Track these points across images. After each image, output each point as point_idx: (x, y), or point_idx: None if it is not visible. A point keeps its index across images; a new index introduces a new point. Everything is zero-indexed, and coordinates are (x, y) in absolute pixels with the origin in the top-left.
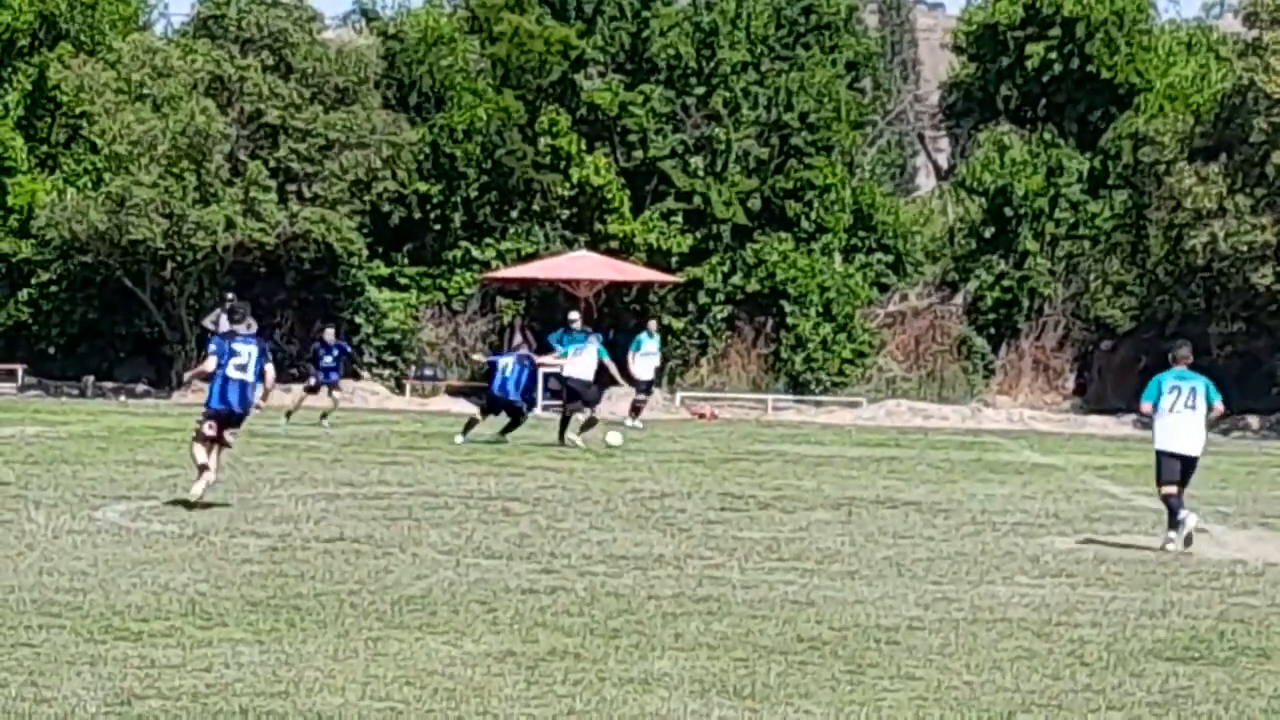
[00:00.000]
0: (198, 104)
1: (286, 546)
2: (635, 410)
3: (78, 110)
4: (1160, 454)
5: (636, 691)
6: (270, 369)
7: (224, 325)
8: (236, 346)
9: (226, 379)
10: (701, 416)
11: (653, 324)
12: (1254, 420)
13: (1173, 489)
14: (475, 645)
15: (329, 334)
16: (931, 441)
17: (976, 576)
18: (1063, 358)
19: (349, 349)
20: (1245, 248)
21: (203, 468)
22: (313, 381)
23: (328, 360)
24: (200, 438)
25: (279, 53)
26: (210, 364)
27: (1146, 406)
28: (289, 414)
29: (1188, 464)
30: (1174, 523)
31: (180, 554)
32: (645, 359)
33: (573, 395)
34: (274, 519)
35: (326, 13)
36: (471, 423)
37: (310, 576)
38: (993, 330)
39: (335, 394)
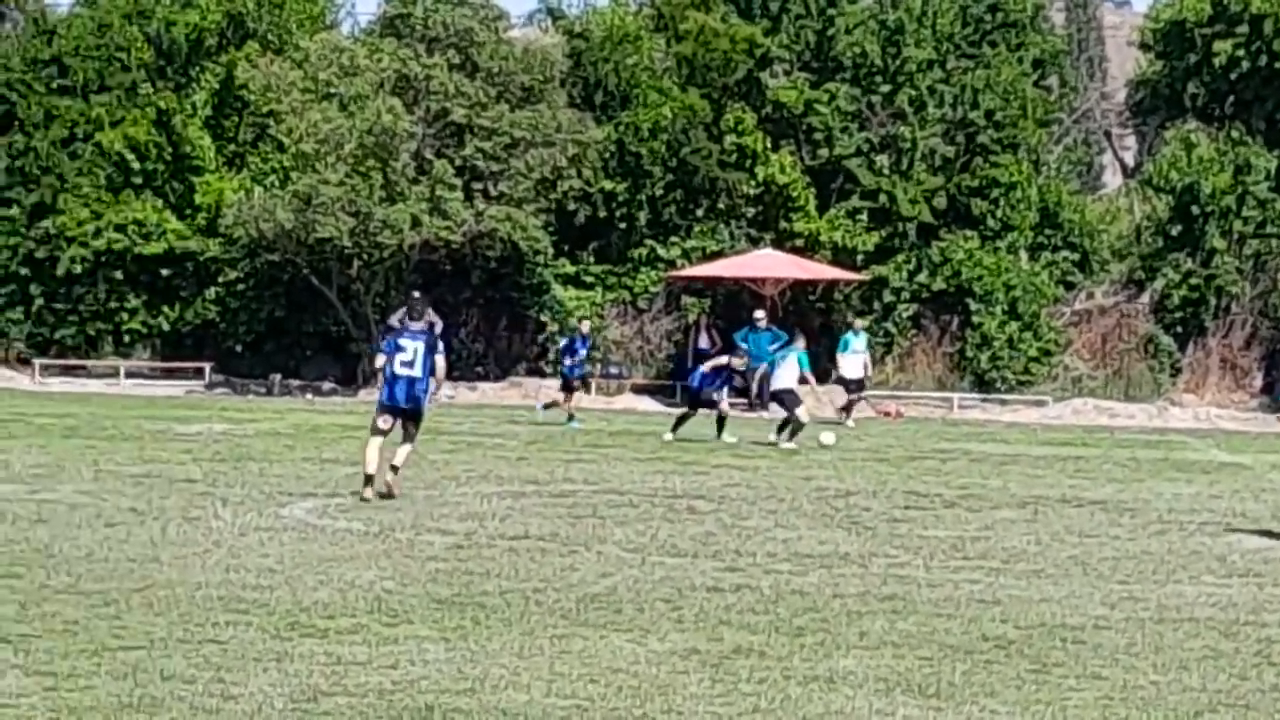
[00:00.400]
0: (384, 103)
1: (472, 544)
2: (846, 409)
3: (265, 109)
4: None
5: (821, 689)
6: (440, 362)
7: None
8: (402, 342)
9: (395, 375)
10: (887, 415)
11: (859, 322)
12: None
13: None
14: (660, 643)
15: (585, 325)
16: (1117, 440)
17: (1163, 576)
18: (1250, 356)
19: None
20: None
21: (369, 478)
22: (570, 379)
23: (581, 354)
24: (375, 430)
25: (465, 51)
26: (380, 360)
27: None
28: (571, 417)
29: None
30: None
31: (366, 551)
32: (853, 357)
33: (780, 403)
34: (459, 516)
35: (512, 11)
36: (682, 419)
37: (495, 574)
38: (1179, 329)
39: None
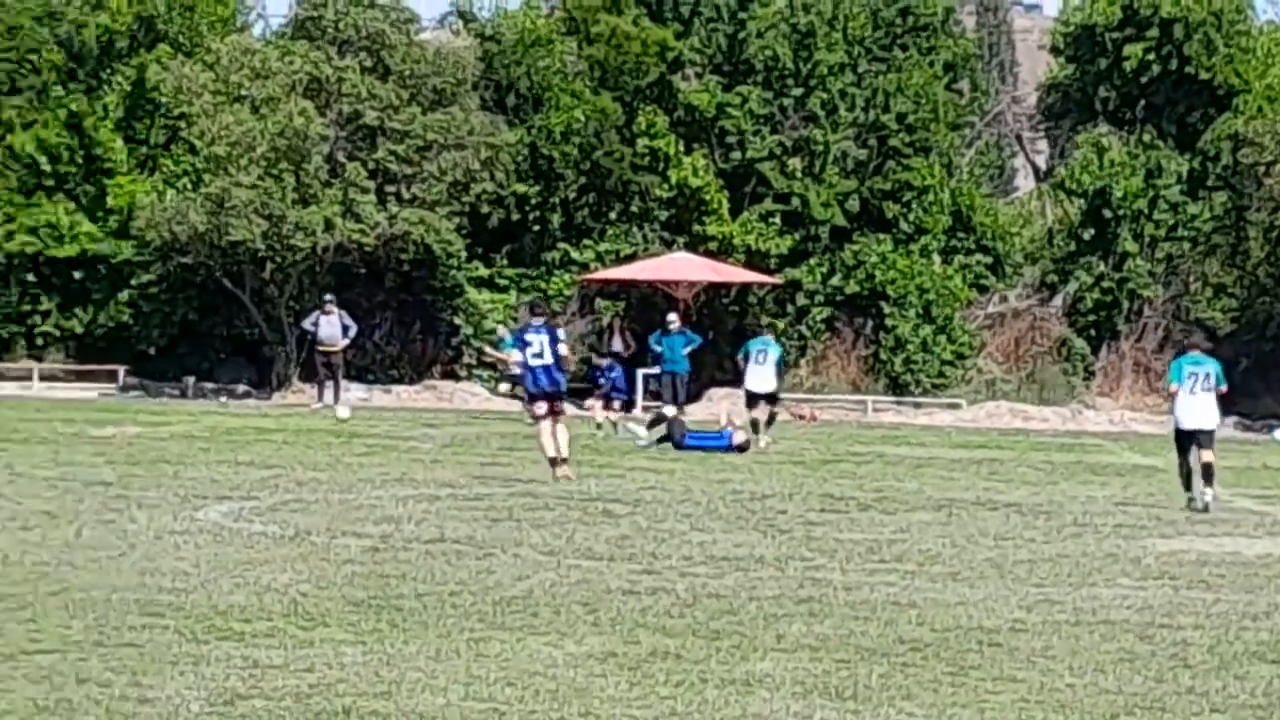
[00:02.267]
0: (296, 105)
1: (388, 547)
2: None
3: (176, 111)
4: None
5: (739, 693)
6: (565, 350)
7: (321, 326)
8: (529, 337)
9: (531, 367)
10: (801, 418)
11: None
12: None
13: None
14: (577, 646)
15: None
16: (1032, 443)
17: (1079, 579)
18: (1163, 359)
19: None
20: None
21: (553, 460)
22: (604, 389)
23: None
24: (535, 418)
25: (377, 54)
26: (515, 356)
27: (1174, 387)
28: (615, 424)
29: (1204, 436)
30: (1188, 485)
31: (282, 554)
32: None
33: (771, 402)
34: (375, 519)
35: (424, 14)
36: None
37: (412, 577)
38: (1093, 332)
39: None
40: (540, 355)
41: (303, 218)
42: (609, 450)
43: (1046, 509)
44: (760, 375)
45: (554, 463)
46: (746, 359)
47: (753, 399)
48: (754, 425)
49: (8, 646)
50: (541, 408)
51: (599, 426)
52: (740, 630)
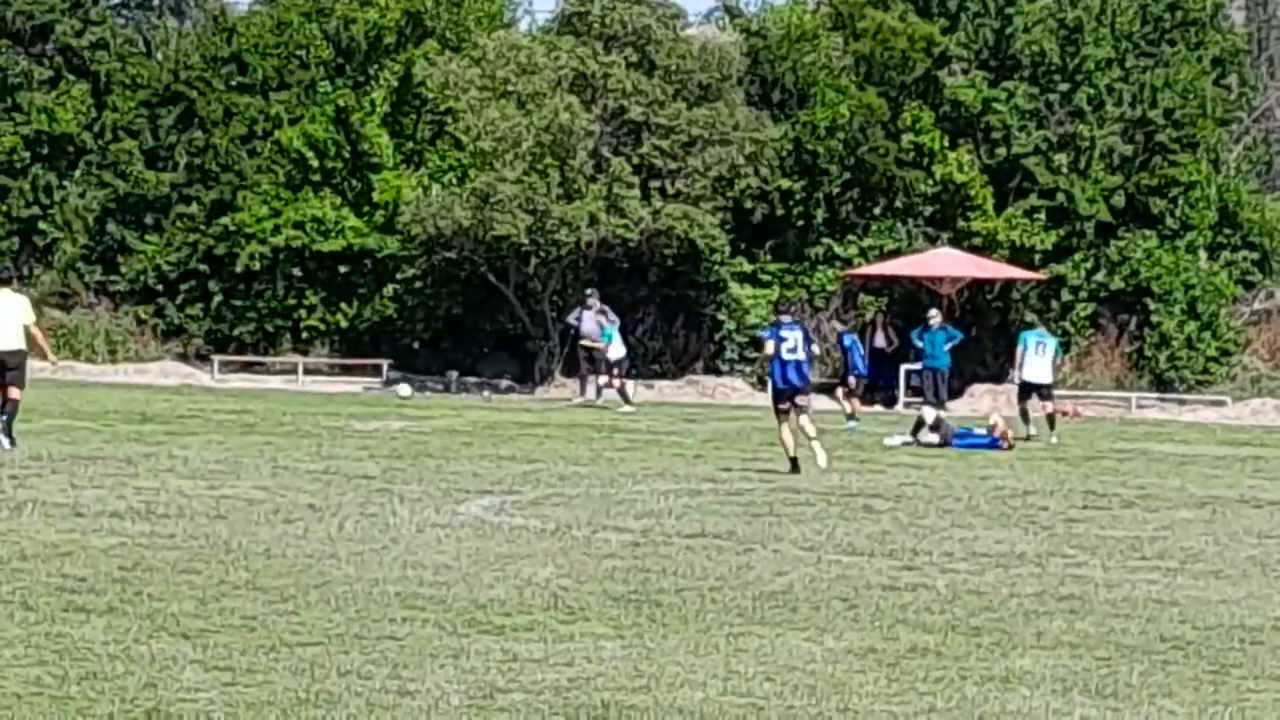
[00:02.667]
0: (562, 100)
1: (649, 542)
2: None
3: (443, 107)
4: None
5: (998, 689)
6: (815, 348)
7: (584, 321)
8: (784, 333)
9: (784, 361)
10: (1064, 414)
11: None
12: None
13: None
14: (836, 641)
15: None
16: None
17: None
18: None
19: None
20: None
21: (793, 460)
22: (852, 381)
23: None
24: (779, 414)
25: (642, 49)
26: (769, 349)
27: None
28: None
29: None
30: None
31: (543, 548)
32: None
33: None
34: (636, 514)
35: (690, 9)
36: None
37: (671, 571)
38: None
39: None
40: (794, 350)
41: (567, 213)
42: (870, 446)
43: None
44: (1039, 367)
45: (794, 462)
46: (1024, 350)
47: (1028, 390)
48: (1023, 415)
49: (270, 638)
50: (786, 404)
51: (849, 417)
52: (1000, 627)
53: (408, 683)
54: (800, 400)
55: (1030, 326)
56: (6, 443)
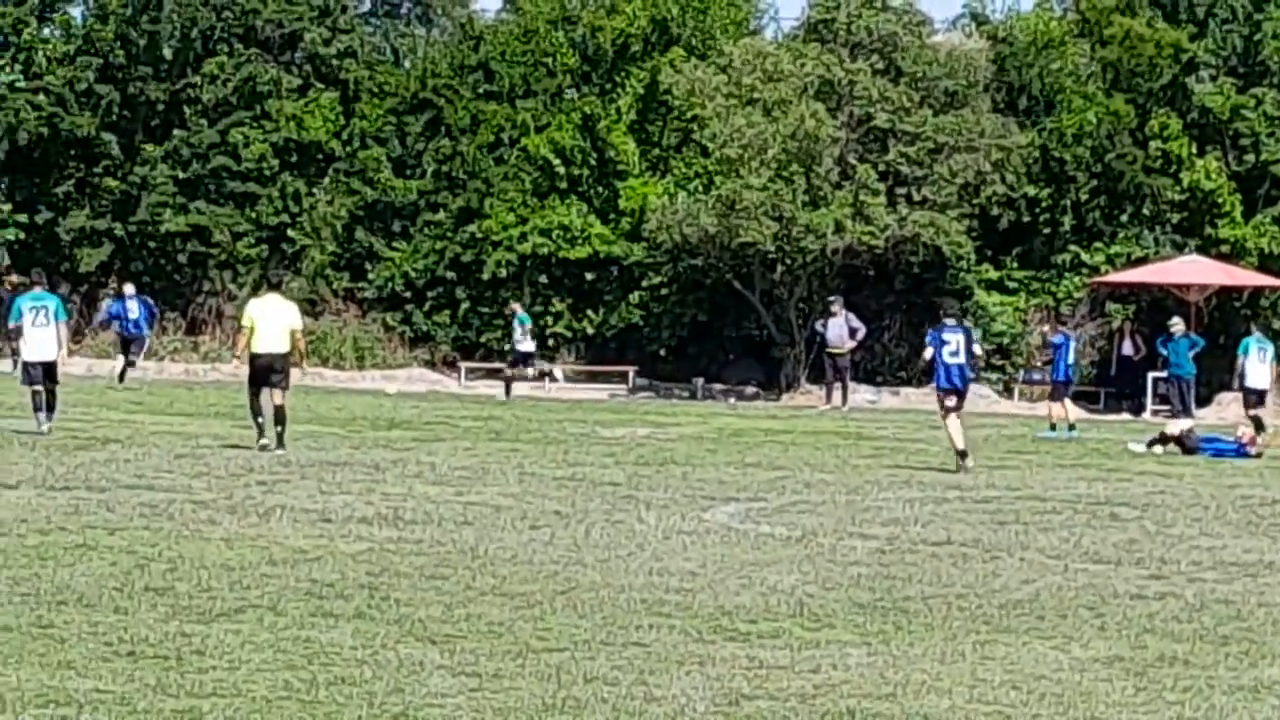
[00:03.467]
0: (808, 107)
1: (894, 549)
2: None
3: (689, 114)
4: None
5: (1246, 699)
6: (977, 349)
7: (830, 328)
8: (945, 336)
9: (946, 364)
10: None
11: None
12: None
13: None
14: (1083, 650)
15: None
16: None
17: None
18: None
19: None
20: None
21: (961, 453)
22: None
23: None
24: (945, 411)
25: (888, 56)
26: (928, 353)
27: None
28: (1071, 426)
29: None
30: None
31: (789, 556)
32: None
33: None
34: (882, 521)
35: (936, 16)
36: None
37: (917, 579)
38: None
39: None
40: (956, 354)
41: (812, 220)
42: (1118, 455)
43: None
44: (1260, 373)
45: (961, 455)
46: (1244, 358)
47: (1253, 396)
48: (1256, 424)
49: (517, 644)
50: (952, 401)
51: (1071, 427)
52: (1249, 636)
53: (654, 689)
54: (961, 401)
55: (1249, 333)
56: (279, 450)
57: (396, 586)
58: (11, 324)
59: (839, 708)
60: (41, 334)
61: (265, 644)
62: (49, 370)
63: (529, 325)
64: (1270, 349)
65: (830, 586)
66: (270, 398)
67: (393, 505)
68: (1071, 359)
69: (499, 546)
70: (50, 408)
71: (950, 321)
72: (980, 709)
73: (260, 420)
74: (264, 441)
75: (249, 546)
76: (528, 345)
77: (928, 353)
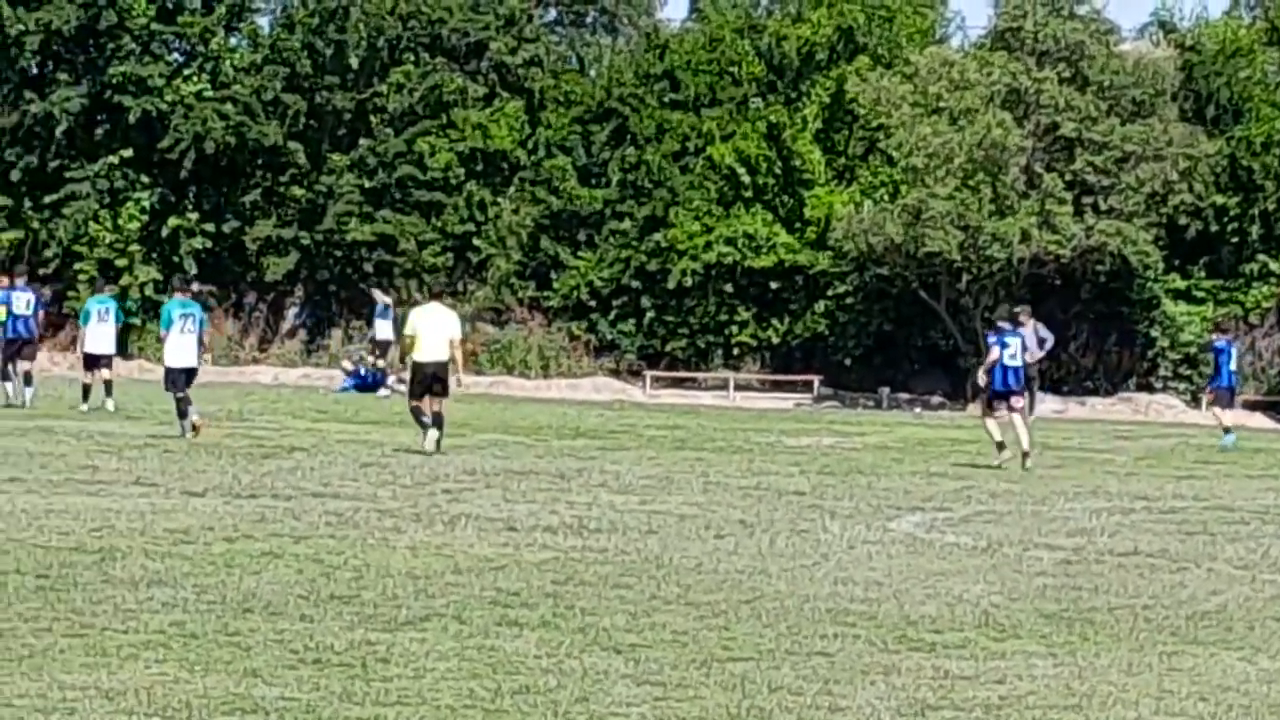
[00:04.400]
0: (994, 116)
1: (1080, 560)
2: None
3: (874, 123)
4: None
5: None
6: (1030, 355)
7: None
8: (1007, 339)
9: (1005, 366)
10: None
11: None
12: None
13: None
14: (1271, 662)
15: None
16: None
17: None
18: None
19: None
20: None
21: (999, 445)
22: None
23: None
24: (991, 412)
25: (1075, 65)
26: (994, 354)
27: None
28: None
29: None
30: None
31: (974, 566)
32: None
33: None
34: (1068, 532)
35: (1123, 25)
36: None
37: (1104, 590)
38: None
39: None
40: (1014, 357)
41: (999, 229)
42: None
43: None
44: None
45: (1000, 445)
46: None
47: None
48: None
49: (701, 653)
50: (1007, 404)
51: (1227, 431)
52: None
53: (839, 699)
54: (1015, 402)
55: None
56: (431, 445)
57: (581, 595)
58: (163, 332)
59: (1024, 718)
60: (188, 340)
61: (450, 652)
62: (190, 376)
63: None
64: None
65: (1016, 597)
66: (429, 405)
67: (577, 514)
68: (1234, 365)
69: (684, 555)
70: (182, 414)
71: (1008, 326)
72: None
73: (425, 420)
74: (428, 445)
75: (434, 555)
76: (387, 333)
77: (993, 354)
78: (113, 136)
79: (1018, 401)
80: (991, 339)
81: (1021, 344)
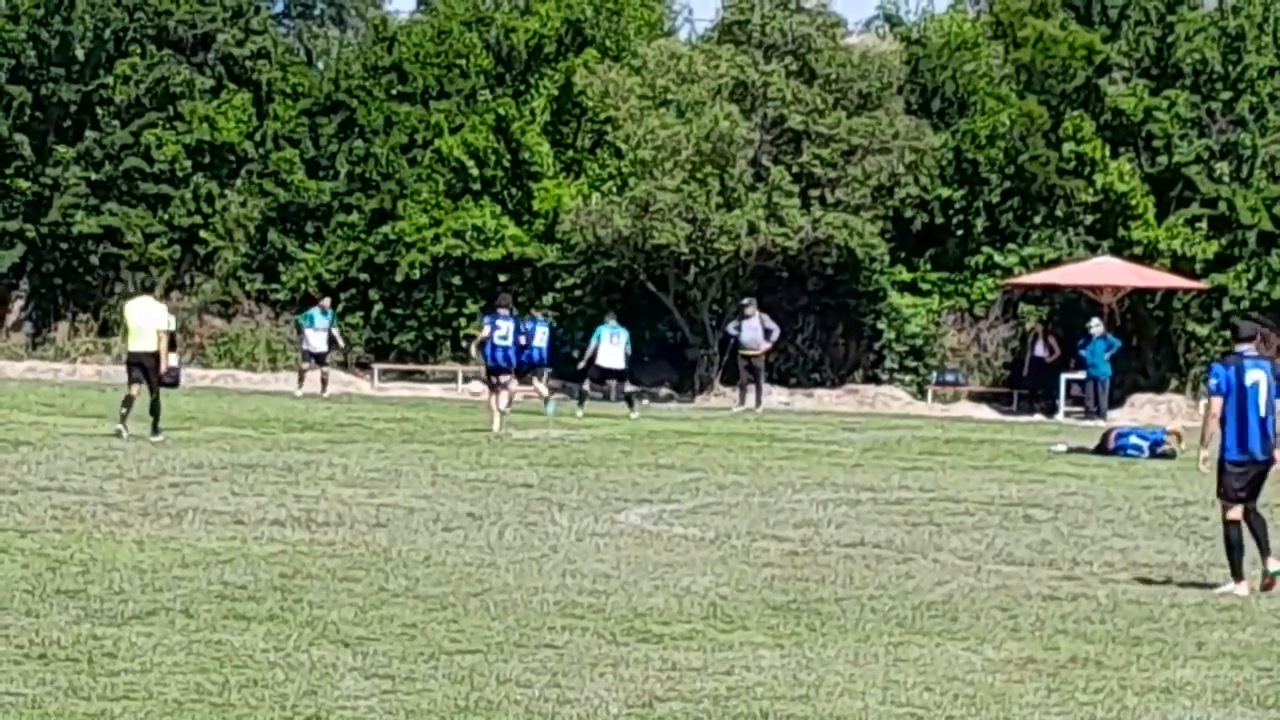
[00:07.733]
0: (721, 109)
1: (807, 551)
2: None
3: (602, 116)
4: None
5: (1159, 700)
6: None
7: (744, 330)
8: (499, 322)
9: (494, 345)
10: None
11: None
12: None
13: None
14: (996, 651)
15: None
16: None
17: None
18: None
19: None
20: None
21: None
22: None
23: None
24: (492, 387)
25: (802, 58)
26: (485, 332)
27: None
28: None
29: None
30: None
31: (701, 557)
32: None
33: None
34: (795, 523)
35: (850, 18)
36: None
37: (831, 581)
38: None
39: None
40: (505, 338)
41: (726, 221)
42: (1031, 456)
43: None
44: None
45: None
46: None
47: None
48: None
49: (430, 646)
50: (495, 380)
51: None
52: (1160, 637)
53: (567, 691)
54: (504, 379)
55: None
56: (155, 438)
57: (309, 589)
58: None
59: (752, 710)
60: None
61: (177, 646)
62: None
63: (325, 323)
64: None
65: (743, 588)
66: (140, 393)
67: (305, 507)
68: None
69: (412, 548)
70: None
71: (504, 310)
72: (894, 710)
73: (124, 411)
74: (119, 428)
75: (161, 549)
76: (320, 345)
77: (484, 331)
78: None
79: (506, 378)
80: (485, 319)
81: (515, 327)
